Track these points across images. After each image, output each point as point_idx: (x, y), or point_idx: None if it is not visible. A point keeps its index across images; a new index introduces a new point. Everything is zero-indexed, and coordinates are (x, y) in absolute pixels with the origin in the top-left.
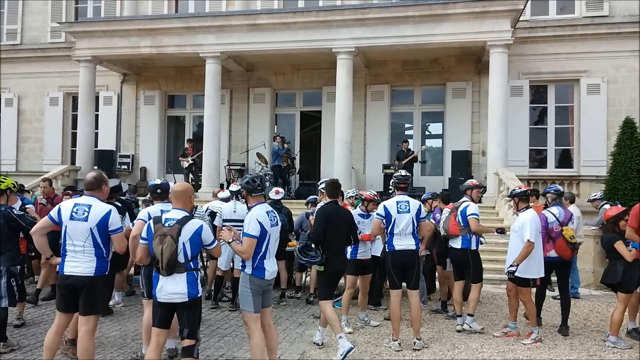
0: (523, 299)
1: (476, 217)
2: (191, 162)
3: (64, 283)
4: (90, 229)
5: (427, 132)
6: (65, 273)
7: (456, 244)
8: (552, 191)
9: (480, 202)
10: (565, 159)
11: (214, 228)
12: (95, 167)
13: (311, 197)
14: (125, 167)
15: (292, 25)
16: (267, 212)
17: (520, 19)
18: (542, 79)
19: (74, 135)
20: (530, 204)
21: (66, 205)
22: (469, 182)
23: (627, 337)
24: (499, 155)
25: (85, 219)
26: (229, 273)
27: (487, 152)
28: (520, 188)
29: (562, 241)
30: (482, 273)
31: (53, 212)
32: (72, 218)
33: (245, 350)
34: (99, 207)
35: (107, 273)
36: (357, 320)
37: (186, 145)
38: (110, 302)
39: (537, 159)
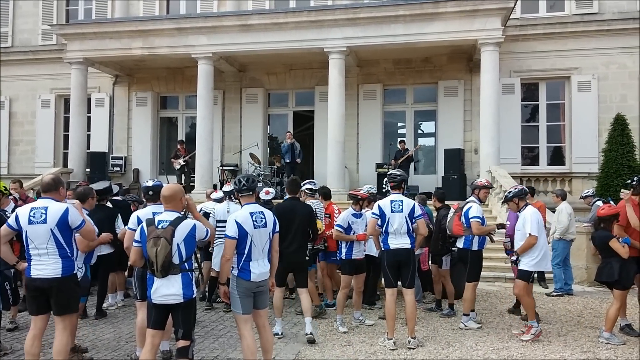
0: (518, 292)
1: (478, 219)
2: (183, 163)
3: (32, 285)
4: (51, 229)
5: (419, 131)
6: (32, 276)
7: (459, 243)
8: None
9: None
10: (557, 156)
11: None
12: (88, 170)
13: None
14: (118, 169)
15: (284, 26)
16: (250, 213)
17: (510, 17)
18: (533, 76)
19: (66, 138)
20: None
21: (23, 211)
22: (478, 181)
23: (621, 332)
24: (492, 153)
25: (44, 221)
26: None
27: (480, 150)
28: (515, 188)
29: None
30: (480, 274)
31: (11, 220)
32: (30, 222)
33: (240, 351)
34: (55, 208)
35: (74, 272)
36: (352, 320)
37: (178, 147)
38: (104, 305)
39: (529, 156)
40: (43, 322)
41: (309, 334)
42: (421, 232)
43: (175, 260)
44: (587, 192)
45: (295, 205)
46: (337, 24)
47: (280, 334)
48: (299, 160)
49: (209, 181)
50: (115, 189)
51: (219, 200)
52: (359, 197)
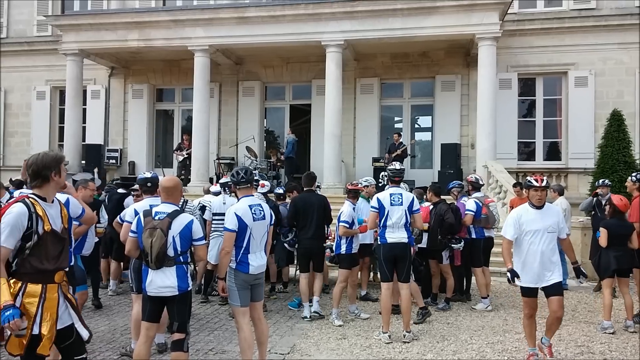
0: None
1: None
2: (186, 155)
3: None
4: None
5: (416, 125)
6: None
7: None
8: (456, 186)
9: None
10: (553, 152)
11: (204, 222)
12: (83, 162)
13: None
14: (114, 161)
15: (281, 18)
16: (249, 206)
17: (508, 12)
18: (530, 71)
19: (62, 130)
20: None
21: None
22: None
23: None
24: (488, 147)
25: None
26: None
27: (476, 144)
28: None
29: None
30: None
31: None
32: None
33: (235, 344)
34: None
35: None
36: (347, 313)
37: (183, 138)
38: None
39: (526, 151)
40: None
41: (314, 313)
42: (417, 225)
43: (170, 252)
44: (605, 181)
45: (311, 197)
46: (334, 17)
47: (308, 317)
48: (282, 158)
49: (205, 174)
50: (98, 182)
51: (217, 194)
52: (359, 190)
